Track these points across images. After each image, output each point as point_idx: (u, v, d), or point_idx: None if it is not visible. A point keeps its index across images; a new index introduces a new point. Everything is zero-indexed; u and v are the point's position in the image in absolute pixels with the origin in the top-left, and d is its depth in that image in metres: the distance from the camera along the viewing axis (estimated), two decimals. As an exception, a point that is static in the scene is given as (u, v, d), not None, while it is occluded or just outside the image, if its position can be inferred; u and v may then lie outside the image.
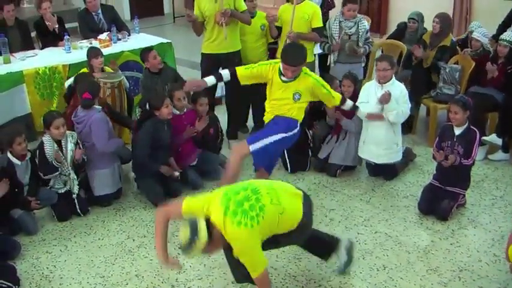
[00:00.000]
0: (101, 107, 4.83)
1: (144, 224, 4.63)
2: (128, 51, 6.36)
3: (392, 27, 8.66)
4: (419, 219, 4.60)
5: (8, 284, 3.75)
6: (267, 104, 4.57)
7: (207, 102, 5.23)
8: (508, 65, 5.49)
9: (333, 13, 6.45)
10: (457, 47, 6.20)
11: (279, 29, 5.68)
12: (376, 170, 5.25)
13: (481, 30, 6.00)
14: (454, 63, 5.95)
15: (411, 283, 3.82)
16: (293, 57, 4.08)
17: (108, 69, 5.59)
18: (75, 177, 4.68)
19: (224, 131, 5.69)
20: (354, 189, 5.11)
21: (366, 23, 5.84)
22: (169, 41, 6.72)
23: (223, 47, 5.57)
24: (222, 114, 5.83)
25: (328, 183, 5.21)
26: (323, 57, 6.61)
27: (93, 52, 5.47)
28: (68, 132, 4.61)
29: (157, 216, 3.48)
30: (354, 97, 5.11)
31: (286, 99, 4.36)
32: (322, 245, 3.80)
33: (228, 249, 3.30)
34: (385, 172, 5.21)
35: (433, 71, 6.00)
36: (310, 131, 5.41)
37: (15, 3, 7.68)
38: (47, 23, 6.63)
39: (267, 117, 4.54)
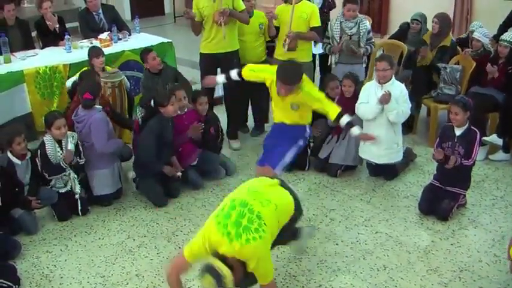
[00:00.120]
0: (101, 107, 4.83)
1: (144, 223, 4.63)
2: (129, 50, 6.36)
3: (392, 27, 8.68)
4: (419, 219, 4.60)
5: (9, 283, 3.75)
6: (272, 104, 4.57)
7: (206, 101, 5.23)
8: (508, 65, 5.49)
9: (333, 13, 6.45)
10: (458, 47, 6.20)
11: (277, 28, 5.67)
12: (377, 170, 5.25)
13: (482, 31, 6.00)
14: (455, 64, 5.95)
15: (411, 283, 3.82)
16: (288, 77, 4.00)
17: (108, 68, 5.59)
18: (76, 176, 4.68)
19: (224, 131, 5.70)
20: (354, 189, 5.11)
21: (367, 24, 5.84)
22: (170, 40, 6.72)
23: (221, 47, 5.57)
24: (221, 114, 5.83)
25: (328, 183, 5.21)
26: (324, 58, 6.61)
27: (94, 52, 5.47)
28: (68, 132, 4.61)
29: (170, 280, 3.38)
30: (354, 97, 5.12)
31: (285, 108, 4.35)
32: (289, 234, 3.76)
33: None
34: (386, 172, 5.21)
35: (433, 71, 5.99)
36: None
37: (16, 2, 7.69)
38: (47, 23, 6.63)
39: (276, 117, 4.54)
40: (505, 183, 5.14)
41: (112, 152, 4.83)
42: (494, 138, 5.48)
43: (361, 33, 5.76)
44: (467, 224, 4.51)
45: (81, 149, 4.68)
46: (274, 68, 4.26)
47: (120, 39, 6.60)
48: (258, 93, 6.00)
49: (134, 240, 4.41)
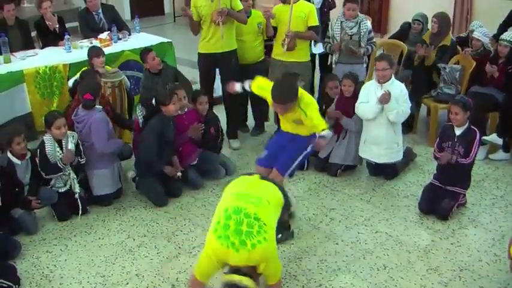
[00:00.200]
0: (101, 107, 4.82)
1: (144, 223, 4.63)
2: (129, 50, 6.35)
3: (392, 27, 8.68)
4: (419, 218, 4.60)
5: (9, 283, 3.75)
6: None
7: (206, 100, 5.23)
8: (508, 64, 5.49)
9: (334, 13, 6.45)
10: (458, 46, 6.19)
11: (274, 28, 5.67)
12: (377, 169, 5.25)
13: (482, 30, 6.00)
14: (455, 63, 5.95)
15: (412, 283, 3.82)
16: (282, 96, 3.93)
17: (108, 68, 5.59)
18: (75, 176, 4.68)
19: (224, 131, 5.70)
20: (354, 188, 5.11)
21: (368, 24, 5.82)
22: (169, 40, 6.71)
23: (219, 47, 5.57)
24: (221, 113, 5.83)
25: (328, 183, 5.21)
26: (323, 57, 6.61)
27: (94, 51, 5.47)
28: (69, 132, 4.61)
29: None
30: (354, 97, 5.12)
31: (290, 123, 4.27)
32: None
33: None
34: (386, 172, 5.21)
35: (434, 71, 5.99)
36: None
37: (16, 2, 7.68)
38: (47, 23, 6.63)
39: (283, 127, 4.43)
40: (505, 183, 5.14)
41: (112, 151, 4.83)
42: (494, 138, 5.48)
43: (362, 33, 5.75)
44: (467, 224, 4.51)
45: (81, 148, 4.67)
46: None
47: (120, 39, 6.59)
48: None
49: (134, 240, 4.41)
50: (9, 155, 4.43)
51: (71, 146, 4.58)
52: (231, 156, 5.72)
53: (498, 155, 5.56)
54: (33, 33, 6.95)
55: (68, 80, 5.85)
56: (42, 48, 6.67)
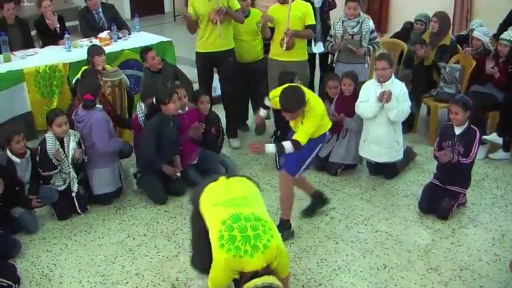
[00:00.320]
0: (101, 106, 4.82)
1: (144, 222, 4.63)
2: (128, 49, 6.36)
3: (392, 26, 8.68)
4: (419, 218, 4.60)
5: (8, 282, 3.75)
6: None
7: (208, 100, 5.23)
8: (508, 64, 5.48)
9: (334, 13, 6.44)
10: (458, 46, 6.19)
11: (271, 29, 5.66)
12: (377, 168, 5.25)
13: (482, 29, 5.99)
14: (455, 63, 5.95)
15: (412, 282, 3.82)
16: (290, 104, 3.92)
17: (108, 67, 5.58)
18: (75, 175, 4.67)
19: (224, 130, 5.71)
20: (354, 188, 5.11)
21: (370, 23, 5.79)
22: (169, 39, 6.71)
23: (217, 46, 5.57)
24: (220, 113, 5.83)
25: (328, 182, 5.21)
26: (324, 57, 6.60)
27: (95, 50, 5.46)
28: (71, 131, 4.61)
29: None
30: (354, 96, 5.11)
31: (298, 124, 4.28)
32: None
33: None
34: (386, 171, 5.21)
35: (434, 70, 5.99)
36: None
37: (16, 1, 7.67)
38: (47, 22, 6.63)
39: (293, 126, 4.39)
40: (505, 182, 5.14)
41: (113, 151, 4.83)
42: (494, 137, 5.47)
43: (363, 33, 5.74)
44: (468, 223, 4.51)
45: (83, 146, 4.67)
46: None
47: (120, 38, 6.60)
48: (258, 89, 6.01)
49: (134, 239, 4.41)
50: (8, 153, 4.43)
51: (72, 144, 4.58)
52: (231, 155, 5.72)
53: (498, 154, 5.56)
54: (33, 32, 6.95)
55: (67, 79, 5.87)
56: (42, 47, 6.68)
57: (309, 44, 6.06)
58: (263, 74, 5.87)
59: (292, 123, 4.21)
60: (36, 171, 4.57)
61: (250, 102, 6.30)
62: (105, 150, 4.71)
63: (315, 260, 4.07)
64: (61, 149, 4.54)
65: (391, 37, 7.03)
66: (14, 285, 3.77)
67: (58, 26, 6.61)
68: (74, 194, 4.67)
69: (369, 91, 4.98)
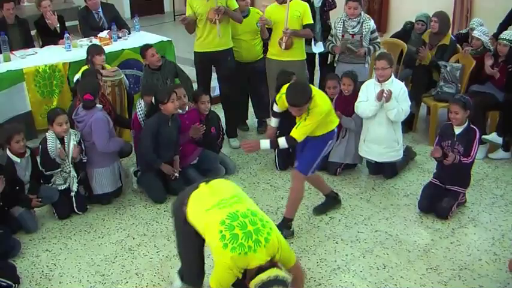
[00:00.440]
0: (101, 106, 4.82)
1: (144, 222, 4.63)
2: (128, 49, 6.34)
3: (392, 26, 8.68)
4: (419, 217, 4.60)
5: (8, 282, 3.75)
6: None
7: (208, 99, 5.24)
8: (508, 63, 5.48)
9: (334, 13, 6.44)
10: (458, 46, 6.18)
11: (269, 30, 5.65)
12: (377, 168, 5.25)
13: (482, 29, 5.99)
14: (455, 62, 5.94)
15: (411, 282, 3.82)
16: (295, 98, 3.98)
17: (108, 67, 5.58)
18: (75, 175, 4.67)
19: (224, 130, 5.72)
20: (354, 187, 5.11)
21: (371, 23, 5.77)
22: (169, 39, 6.71)
23: (215, 45, 5.58)
24: (219, 112, 5.84)
25: (328, 182, 5.17)
26: (324, 56, 6.60)
27: (95, 49, 5.46)
28: (71, 130, 4.62)
29: None
30: (354, 96, 5.11)
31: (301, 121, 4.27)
32: None
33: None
34: (386, 171, 5.21)
35: (434, 69, 5.99)
36: None
37: (16, 1, 7.67)
38: (47, 21, 6.63)
39: None
40: (505, 182, 5.14)
41: (113, 151, 4.83)
42: (494, 137, 5.47)
43: (364, 33, 5.73)
44: (467, 223, 4.51)
45: (83, 146, 4.68)
46: None
47: (120, 37, 6.59)
48: (258, 89, 6.01)
49: (134, 238, 4.41)
50: (8, 153, 4.42)
51: (73, 143, 4.58)
52: (231, 155, 5.73)
53: (498, 154, 5.56)
54: (33, 32, 6.95)
55: (67, 79, 5.86)
56: (42, 47, 6.67)
57: (309, 43, 6.06)
58: (263, 74, 5.88)
59: (297, 120, 4.24)
60: (36, 170, 4.57)
61: (251, 101, 6.30)
62: (106, 150, 4.71)
63: (314, 259, 4.07)
64: (60, 147, 4.54)
65: (391, 37, 7.03)
66: (13, 285, 3.78)
67: (58, 25, 6.61)
68: (73, 194, 4.67)
69: (369, 91, 4.98)
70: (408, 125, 6.00)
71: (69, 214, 4.69)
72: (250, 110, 6.43)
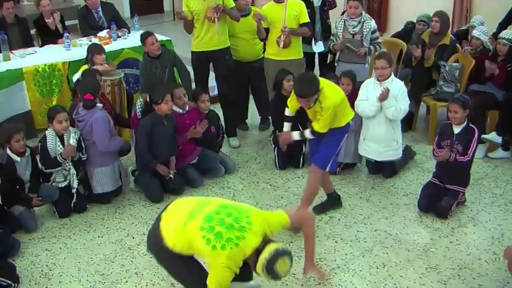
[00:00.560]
0: (102, 105, 4.82)
1: (143, 221, 4.63)
2: (128, 48, 6.35)
3: (392, 26, 8.67)
4: (419, 217, 4.60)
5: (8, 281, 3.75)
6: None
7: (208, 98, 5.24)
8: (507, 63, 5.48)
9: (335, 13, 6.44)
10: (457, 45, 6.18)
11: (266, 30, 5.64)
12: (376, 167, 5.25)
13: (481, 28, 5.99)
14: (454, 62, 5.94)
15: (411, 281, 3.82)
16: (302, 89, 4.04)
17: (106, 65, 5.57)
18: (75, 172, 4.68)
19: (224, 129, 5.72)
20: (353, 187, 5.11)
21: (372, 23, 5.76)
22: (169, 38, 6.71)
23: (213, 44, 5.58)
24: (219, 112, 5.85)
25: (328, 181, 5.21)
26: (323, 56, 6.60)
27: (96, 48, 5.46)
28: (71, 128, 4.62)
29: None
30: (353, 95, 5.11)
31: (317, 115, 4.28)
32: None
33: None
34: (385, 170, 5.21)
35: (434, 69, 5.99)
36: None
37: (15, 0, 7.68)
38: (46, 21, 6.63)
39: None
40: (505, 181, 5.14)
41: (114, 150, 4.83)
42: (493, 136, 5.48)
43: (365, 33, 5.73)
44: (467, 222, 4.52)
45: (83, 144, 4.68)
46: None
47: (120, 36, 6.59)
48: (259, 87, 6.01)
49: (133, 238, 4.41)
50: (8, 152, 4.42)
51: (72, 141, 4.58)
52: (231, 154, 5.73)
53: (497, 153, 5.57)
54: (33, 31, 6.95)
55: (67, 78, 5.86)
56: (41, 46, 6.67)
57: (309, 43, 6.06)
58: (262, 73, 5.87)
59: (310, 115, 4.30)
60: (37, 169, 4.57)
61: (253, 100, 6.30)
62: (107, 150, 4.72)
63: (314, 259, 4.06)
64: (60, 145, 4.53)
65: (392, 36, 7.02)
66: (13, 285, 3.77)
67: (61, 25, 6.61)
68: (74, 191, 4.67)
69: (369, 90, 4.98)
70: (408, 124, 6.00)
71: (69, 213, 4.69)
72: (250, 109, 6.44)
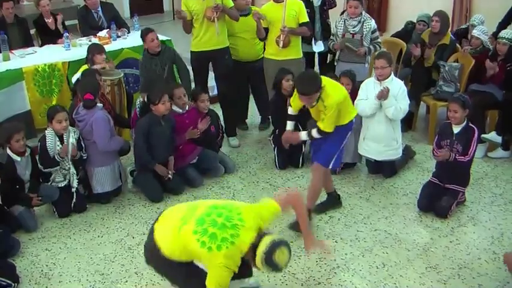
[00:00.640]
0: (102, 105, 4.83)
1: (143, 221, 4.63)
2: (128, 48, 6.35)
3: (392, 25, 8.67)
4: (418, 216, 4.60)
5: (8, 281, 3.75)
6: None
7: (207, 98, 5.24)
8: (507, 62, 5.48)
9: (333, 12, 6.44)
10: (457, 45, 6.18)
11: (265, 29, 5.64)
12: (376, 167, 5.26)
13: (481, 28, 5.99)
14: (454, 61, 5.94)
15: (411, 281, 3.82)
16: (304, 87, 4.05)
17: (107, 66, 5.56)
18: (75, 171, 4.68)
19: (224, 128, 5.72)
20: (353, 186, 5.11)
21: (372, 23, 5.76)
22: (169, 38, 6.70)
23: (212, 44, 5.59)
24: (219, 112, 5.85)
25: (327, 181, 5.21)
26: (323, 56, 6.60)
27: (97, 48, 5.45)
28: (70, 127, 4.62)
29: None
30: (353, 95, 5.11)
31: (321, 115, 4.28)
32: None
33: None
34: (385, 170, 5.22)
35: (433, 69, 5.99)
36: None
37: (15, 0, 7.68)
38: (46, 21, 6.63)
39: (316, 119, 4.43)
40: (504, 181, 5.14)
41: (114, 149, 4.83)
42: (493, 136, 5.48)
43: (365, 32, 5.73)
44: (467, 222, 4.52)
45: (83, 144, 4.68)
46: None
47: (119, 36, 6.59)
48: (260, 87, 6.01)
49: (133, 238, 4.41)
50: (8, 151, 4.42)
51: (72, 140, 4.58)
52: (230, 154, 5.73)
53: (497, 153, 5.57)
54: (32, 31, 6.95)
55: (67, 78, 5.85)
56: (41, 46, 6.67)
57: (309, 43, 6.06)
58: (263, 73, 5.86)
59: (313, 114, 4.31)
60: (36, 169, 4.57)
61: (254, 100, 6.30)
62: (107, 149, 4.72)
63: (314, 258, 4.07)
64: (59, 145, 4.53)
65: (392, 36, 7.02)
66: (13, 284, 3.77)
67: (62, 26, 6.62)
68: (74, 190, 4.67)
69: (369, 89, 4.98)
70: (407, 124, 6.00)
71: (69, 212, 4.69)
72: (250, 109, 6.44)
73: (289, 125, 4.60)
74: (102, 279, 3.91)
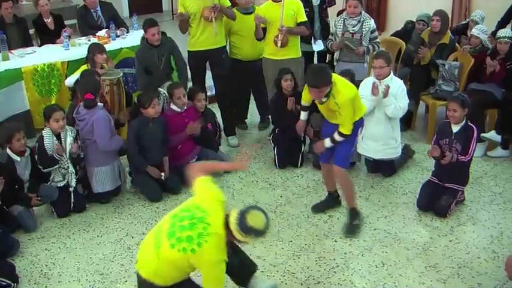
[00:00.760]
0: (102, 104, 4.83)
1: (143, 221, 4.63)
2: (127, 48, 6.35)
3: (391, 25, 8.67)
4: (418, 216, 4.60)
5: (7, 281, 3.75)
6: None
7: (204, 97, 5.25)
8: (507, 61, 5.48)
9: (333, 12, 6.43)
10: (457, 45, 6.19)
11: (263, 29, 5.63)
12: (375, 166, 5.26)
13: (480, 27, 5.99)
14: (453, 60, 5.95)
15: (410, 280, 3.83)
16: (313, 79, 4.04)
17: (105, 66, 5.56)
18: (73, 171, 4.68)
19: (221, 127, 5.73)
20: (353, 186, 5.11)
21: (371, 23, 5.75)
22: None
23: (210, 43, 5.59)
24: (218, 112, 5.85)
25: (327, 180, 5.20)
26: (322, 55, 6.60)
27: (97, 48, 5.44)
28: (67, 126, 4.62)
29: None
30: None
31: (333, 115, 4.26)
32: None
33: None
34: (384, 169, 5.22)
35: (433, 68, 5.99)
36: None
37: (14, 0, 7.66)
38: (45, 21, 6.62)
39: (327, 117, 4.42)
40: (504, 180, 5.14)
41: (114, 149, 4.83)
42: (493, 135, 5.48)
43: (364, 32, 5.72)
44: (466, 221, 4.52)
45: (79, 142, 4.68)
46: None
47: (118, 36, 6.59)
48: (259, 87, 6.01)
49: (133, 237, 4.41)
50: (8, 151, 4.42)
51: (69, 139, 4.58)
52: (229, 153, 5.72)
53: (497, 152, 5.57)
54: (32, 31, 6.94)
55: (66, 77, 5.84)
56: (40, 45, 6.66)
57: (309, 42, 6.06)
58: (262, 73, 5.87)
59: (323, 111, 4.31)
60: (36, 169, 4.57)
61: (254, 99, 6.30)
62: (107, 149, 4.72)
63: (313, 258, 4.07)
64: (58, 144, 4.54)
65: (392, 36, 7.02)
66: (12, 284, 3.78)
67: (64, 28, 6.62)
68: (71, 189, 4.67)
69: (368, 87, 4.98)
70: (407, 123, 6.00)
71: (68, 212, 4.69)
72: (250, 109, 6.44)
73: (303, 115, 4.68)
74: (101, 279, 3.91)
